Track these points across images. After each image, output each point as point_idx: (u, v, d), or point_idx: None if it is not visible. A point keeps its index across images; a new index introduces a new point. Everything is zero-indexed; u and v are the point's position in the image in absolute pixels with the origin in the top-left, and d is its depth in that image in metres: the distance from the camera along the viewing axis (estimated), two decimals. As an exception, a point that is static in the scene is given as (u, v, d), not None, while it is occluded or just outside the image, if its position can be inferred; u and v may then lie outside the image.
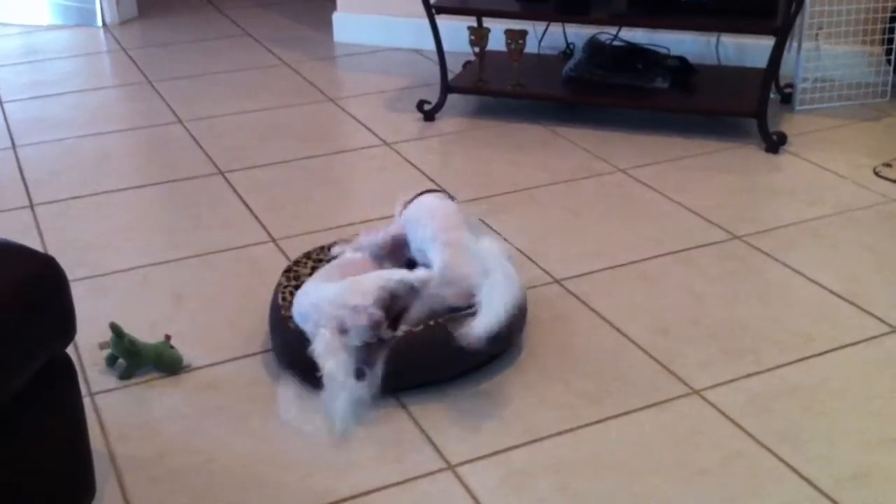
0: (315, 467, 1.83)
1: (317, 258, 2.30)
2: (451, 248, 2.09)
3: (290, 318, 2.08)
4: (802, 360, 2.11)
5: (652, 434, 1.90)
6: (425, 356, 2.01)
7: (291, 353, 2.07)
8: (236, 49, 4.27)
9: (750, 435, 1.89)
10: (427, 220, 2.19)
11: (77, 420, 1.63)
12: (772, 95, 3.24)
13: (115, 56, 4.23)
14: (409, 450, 1.87)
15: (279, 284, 2.19)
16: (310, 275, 2.22)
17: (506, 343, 2.11)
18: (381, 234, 2.25)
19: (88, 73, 4.06)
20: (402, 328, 2.03)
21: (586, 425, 1.93)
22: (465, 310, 1.99)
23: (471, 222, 2.24)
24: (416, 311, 2.05)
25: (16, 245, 1.53)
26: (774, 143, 3.10)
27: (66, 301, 1.54)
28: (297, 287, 2.18)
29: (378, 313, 1.99)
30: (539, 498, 1.75)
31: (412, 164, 3.08)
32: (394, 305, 2.07)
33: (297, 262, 2.28)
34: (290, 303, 2.13)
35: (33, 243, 2.60)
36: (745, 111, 3.17)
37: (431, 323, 2.02)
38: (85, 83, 3.90)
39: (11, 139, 3.33)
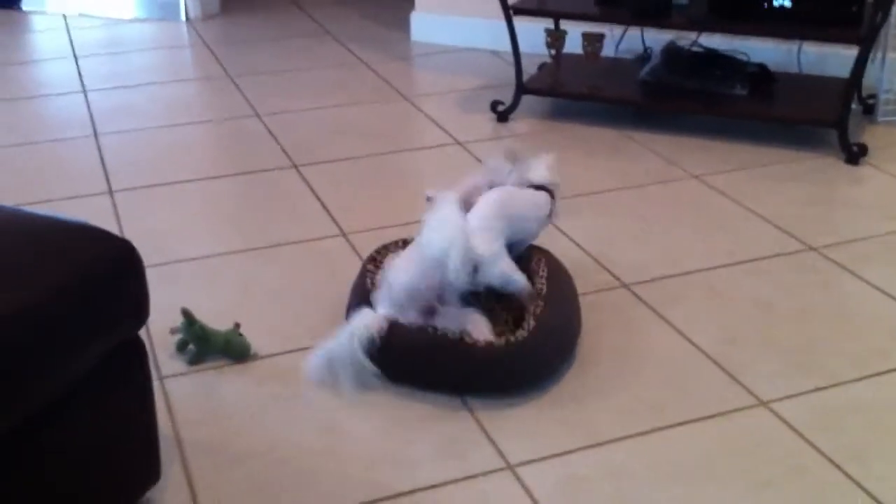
0: (376, 460, 1.85)
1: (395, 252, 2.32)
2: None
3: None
4: (875, 375, 2.06)
5: (715, 444, 1.88)
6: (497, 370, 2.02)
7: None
8: (315, 46, 4.31)
9: (817, 449, 1.85)
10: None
11: (146, 402, 1.66)
12: (853, 106, 3.17)
13: (197, 50, 4.31)
14: (469, 448, 1.87)
15: (365, 269, 2.22)
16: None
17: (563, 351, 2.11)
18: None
19: (170, 66, 4.14)
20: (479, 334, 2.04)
21: (649, 432, 1.91)
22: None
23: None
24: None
25: (95, 229, 1.57)
26: (855, 155, 3.03)
27: (141, 284, 1.57)
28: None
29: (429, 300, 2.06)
30: (597, 502, 1.74)
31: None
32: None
33: (378, 252, 2.31)
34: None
35: (111, 228, 2.64)
36: (825, 121, 3.11)
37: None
38: (166, 75, 3.99)
39: (94, 127, 3.42)
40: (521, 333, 2.02)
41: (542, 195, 2.30)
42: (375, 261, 2.27)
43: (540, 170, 2.33)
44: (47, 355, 1.39)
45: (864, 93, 3.37)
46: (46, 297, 1.40)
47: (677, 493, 1.76)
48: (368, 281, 2.18)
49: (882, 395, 2.00)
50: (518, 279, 2.14)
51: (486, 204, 2.20)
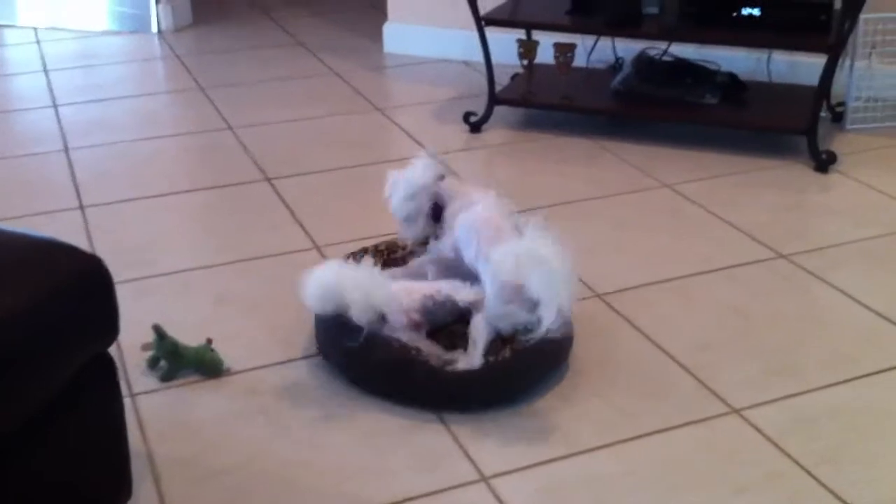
0: (351, 473, 1.84)
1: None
2: (499, 260, 2.05)
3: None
4: (846, 381, 2.08)
5: (690, 452, 1.88)
6: (486, 390, 2.02)
7: (334, 343, 2.09)
8: (287, 58, 4.31)
9: (790, 456, 1.86)
10: (472, 238, 2.15)
11: (116, 419, 1.65)
12: (822, 114, 3.19)
13: (169, 62, 4.29)
14: (443, 460, 1.87)
15: None
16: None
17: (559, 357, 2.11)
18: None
19: (142, 79, 4.13)
20: (474, 360, 2.01)
21: (624, 441, 1.92)
22: (531, 330, 1.99)
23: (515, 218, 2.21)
24: (480, 335, 2.02)
25: (63, 244, 1.56)
26: (824, 162, 3.06)
27: (111, 301, 1.56)
28: None
29: (419, 319, 2.02)
30: (573, 512, 1.74)
31: (457, 175, 3.08)
32: (435, 318, 2.09)
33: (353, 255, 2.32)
34: None
35: (81, 244, 2.63)
36: (795, 128, 3.14)
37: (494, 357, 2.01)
38: (138, 88, 3.97)
39: (64, 141, 3.39)
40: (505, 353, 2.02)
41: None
42: None
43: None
44: (15, 374, 1.37)
45: (833, 101, 3.40)
46: (12, 314, 1.38)
47: (653, 501, 1.76)
48: None
49: (853, 400, 2.02)
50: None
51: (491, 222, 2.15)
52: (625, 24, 3.24)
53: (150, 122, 3.58)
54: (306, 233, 2.73)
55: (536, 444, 1.91)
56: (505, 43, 3.59)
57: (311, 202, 2.92)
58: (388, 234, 2.66)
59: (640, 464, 1.85)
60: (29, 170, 3.19)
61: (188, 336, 2.16)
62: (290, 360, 2.17)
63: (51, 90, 3.90)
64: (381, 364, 2.02)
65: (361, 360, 2.04)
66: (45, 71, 4.13)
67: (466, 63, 4.10)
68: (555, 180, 3.04)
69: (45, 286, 1.46)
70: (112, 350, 1.61)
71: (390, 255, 2.37)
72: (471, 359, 1.99)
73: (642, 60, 3.47)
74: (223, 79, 4.03)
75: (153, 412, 2.01)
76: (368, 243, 2.55)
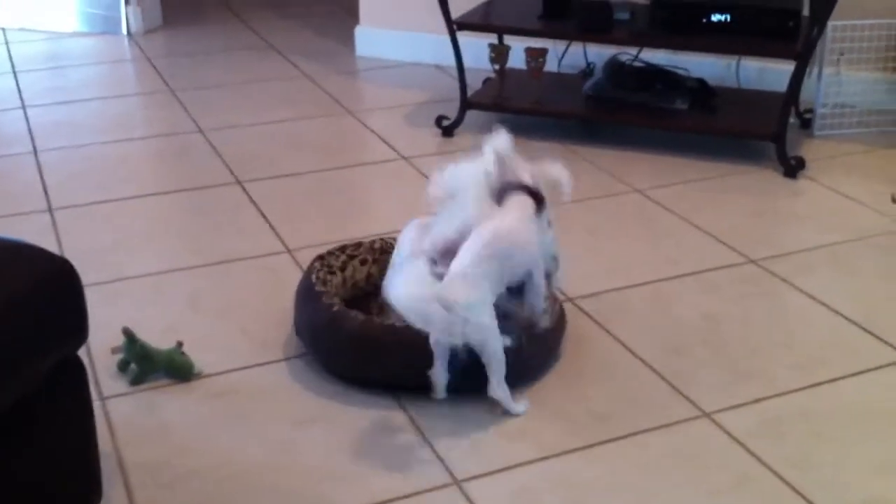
0: (322, 477, 1.83)
1: (351, 254, 2.32)
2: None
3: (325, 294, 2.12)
4: (815, 385, 2.10)
5: (661, 455, 1.89)
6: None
7: (316, 334, 2.11)
8: (258, 60, 4.29)
9: (759, 459, 1.88)
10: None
11: (86, 423, 1.64)
12: (791, 120, 3.23)
13: (139, 64, 4.26)
14: (416, 463, 1.87)
15: (312, 268, 2.22)
16: (342, 267, 2.28)
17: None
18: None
19: (112, 81, 4.10)
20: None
21: (595, 444, 1.92)
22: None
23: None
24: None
25: (32, 247, 1.54)
26: (792, 168, 3.09)
27: (80, 304, 1.55)
28: (330, 272, 2.23)
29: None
30: (545, 516, 1.75)
31: (429, 178, 3.08)
32: None
33: (329, 253, 2.31)
34: (324, 281, 2.17)
35: (50, 247, 2.61)
36: (763, 135, 3.16)
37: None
38: (108, 90, 3.94)
39: (33, 144, 3.36)
40: None
41: (526, 203, 2.11)
42: (323, 259, 2.27)
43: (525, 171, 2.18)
44: (-17, 377, 1.36)
45: (802, 107, 3.43)
46: (-18, 318, 1.37)
47: (623, 505, 1.77)
48: (314, 276, 2.19)
49: (822, 403, 2.04)
50: (494, 344, 1.92)
51: (472, 243, 1.94)
52: (596, 29, 3.26)
53: (120, 124, 3.56)
54: (277, 236, 2.72)
55: (509, 448, 1.91)
56: (477, 47, 3.59)
57: (282, 205, 2.91)
58: (360, 238, 2.66)
59: (612, 467, 1.86)
60: (-4, 172, 3.16)
61: (159, 339, 2.15)
62: (261, 364, 2.16)
63: (19, 92, 3.86)
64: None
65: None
66: (14, 72, 4.09)
67: (438, 67, 4.11)
68: (526, 184, 3.04)
69: (12, 289, 1.44)
70: (82, 353, 1.60)
71: (382, 255, 2.36)
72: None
73: (613, 66, 3.49)
74: (193, 81, 4.00)
75: (123, 416, 2.00)
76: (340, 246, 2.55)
